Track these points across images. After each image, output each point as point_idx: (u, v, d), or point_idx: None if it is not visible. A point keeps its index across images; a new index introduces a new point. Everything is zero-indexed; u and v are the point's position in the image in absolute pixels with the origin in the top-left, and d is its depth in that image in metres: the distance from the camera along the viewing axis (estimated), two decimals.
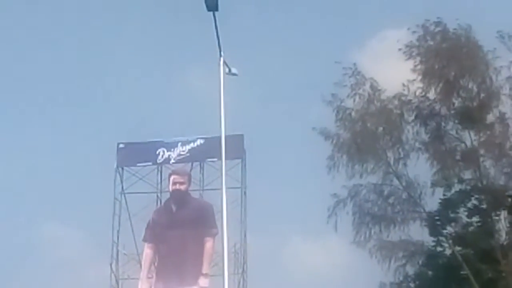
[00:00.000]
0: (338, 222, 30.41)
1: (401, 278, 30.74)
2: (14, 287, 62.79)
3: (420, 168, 30.35)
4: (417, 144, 30.53)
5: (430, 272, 30.94)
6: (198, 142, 32.78)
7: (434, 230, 30.66)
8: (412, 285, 31.07)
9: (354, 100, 30.49)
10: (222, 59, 11.56)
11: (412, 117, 30.51)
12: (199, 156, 32.35)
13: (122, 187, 32.70)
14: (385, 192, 30.74)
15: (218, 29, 11.43)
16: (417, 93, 30.26)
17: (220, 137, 17.87)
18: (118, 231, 31.33)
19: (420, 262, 30.82)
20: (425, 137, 30.72)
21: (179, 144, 33.11)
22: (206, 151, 30.89)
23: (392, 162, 30.48)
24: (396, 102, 30.43)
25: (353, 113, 30.57)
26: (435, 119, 30.46)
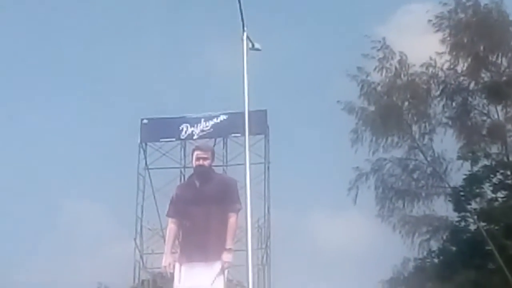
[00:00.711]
0: (361, 196, 30.43)
1: (424, 254, 30.80)
2: (38, 260, 63.83)
3: (446, 144, 30.28)
4: (443, 119, 30.36)
5: (454, 248, 30.93)
6: (221, 117, 32.78)
7: (459, 206, 30.59)
8: (436, 260, 31.10)
9: (381, 74, 30.30)
10: (245, 34, 11.51)
11: (439, 92, 30.26)
12: (222, 131, 32.39)
13: (146, 163, 32.88)
14: (410, 167, 30.67)
15: (242, 3, 11.41)
16: (445, 67, 30.00)
17: (243, 113, 17.98)
18: (142, 206, 31.60)
19: (444, 237, 30.82)
20: (451, 111, 30.50)
21: (202, 119, 33.13)
22: (229, 127, 30.90)
23: (417, 137, 30.40)
24: (424, 77, 30.18)
25: (378, 87, 30.41)
26: (462, 94, 30.21)
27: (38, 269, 61.97)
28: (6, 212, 70.28)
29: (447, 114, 30.47)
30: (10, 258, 65.26)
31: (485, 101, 30.31)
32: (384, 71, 30.24)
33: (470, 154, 30.15)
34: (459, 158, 30.23)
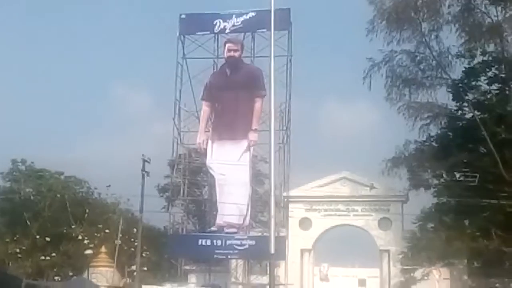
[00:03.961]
0: (372, 85, 30.29)
1: (424, 138, 30.93)
2: (88, 140, 65.29)
3: (451, 40, 29.84)
4: (449, 17, 29.60)
5: (450, 133, 31.04)
6: (250, 14, 32.74)
7: (457, 96, 30.45)
8: (434, 144, 31.27)
9: None
10: None
11: None
12: (251, 27, 32.30)
13: (184, 53, 33.05)
14: (417, 59, 30.29)
15: None
16: None
17: (269, 10, 17.87)
18: (180, 91, 31.73)
19: (443, 123, 30.88)
20: (456, 9, 29.72)
21: (234, 16, 33.16)
22: (257, 23, 30.76)
23: (426, 32, 29.79)
24: None
25: None
26: None
27: (89, 144, 63.70)
28: (60, 93, 71.40)
29: (452, 12, 29.67)
30: (63, 135, 66.92)
31: (487, 1, 29.46)
32: None
33: (468, 53, 29.74)
34: (458, 55, 29.87)
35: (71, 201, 44.09)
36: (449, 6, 29.46)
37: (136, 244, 34.50)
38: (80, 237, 41.33)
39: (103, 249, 36.49)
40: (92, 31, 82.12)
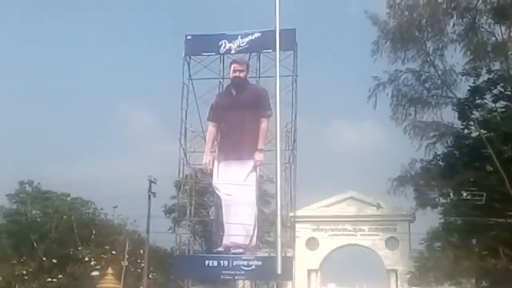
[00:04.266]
0: (378, 104, 30.29)
1: (431, 156, 30.85)
2: (94, 160, 65.37)
3: (455, 59, 29.91)
4: (454, 36, 29.64)
5: (456, 152, 30.95)
6: (256, 35, 32.71)
7: (463, 114, 30.43)
8: (440, 162, 31.18)
9: None
10: None
11: (450, 9, 29.31)
12: (256, 47, 32.29)
13: (189, 74, 33.09)
14: (422, 78, 30.32)
15: None
16: None
17: (274, 31, 17.92)
18: (186, 111, 31.77)
19: (449, 142, 30.81)
20: (460, 29, 29.76)
21: (239, 36, 33.13)
22: (263, 43, 30.77)
23: (430, 52, 29.87)
24: None
25: (402, 3, 29.50)
26: (471, 12, 29.30)
27: (96, 165, 63.79)
28: (66, 113, 71.72)
29: (457, 31, 29.69)
30: (70, 156, 67.14)
31: (491, 21, 29.51)
32: None
33: (473, 71, 29.78)
34: (463, 74, 29.89)
35: (78, 223, 44.00)
36: (453, 25, 29.60)
37: (142, 265, 34.33)
38: (86, 259, 41.19)
39: (109, 270, 36.29)
40: (99, 50, 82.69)
